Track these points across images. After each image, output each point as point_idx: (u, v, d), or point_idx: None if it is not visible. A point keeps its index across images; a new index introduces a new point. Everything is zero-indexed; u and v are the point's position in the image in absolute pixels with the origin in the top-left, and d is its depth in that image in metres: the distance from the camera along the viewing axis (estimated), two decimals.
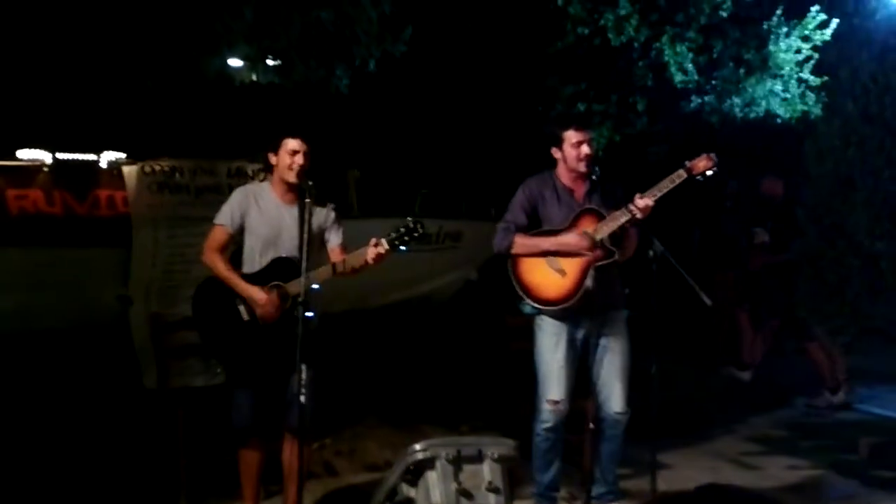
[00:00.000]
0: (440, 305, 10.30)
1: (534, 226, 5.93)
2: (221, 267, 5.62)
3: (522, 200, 5.95)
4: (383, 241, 5.53)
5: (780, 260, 9.78)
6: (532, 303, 5.89)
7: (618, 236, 5.77)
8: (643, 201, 5.61)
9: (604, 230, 5.72)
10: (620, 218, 5.67)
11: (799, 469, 7.50)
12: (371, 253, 5.50)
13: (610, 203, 5.83)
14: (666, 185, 5.68)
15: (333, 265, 5.58)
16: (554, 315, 5.88)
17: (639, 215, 5.62)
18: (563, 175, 5.96)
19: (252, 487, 5.83)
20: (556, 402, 5.84)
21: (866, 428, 8.53)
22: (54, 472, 6.68)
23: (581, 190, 5.94)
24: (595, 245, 5.71)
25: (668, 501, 1.54)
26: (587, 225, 5.78)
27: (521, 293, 5.90)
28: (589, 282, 5.71)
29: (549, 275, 5.83)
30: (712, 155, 5.72)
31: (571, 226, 5.82)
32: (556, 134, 5.94)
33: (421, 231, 5.60)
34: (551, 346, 5.88)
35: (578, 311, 5.81)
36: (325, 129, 9.38)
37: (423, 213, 12.00)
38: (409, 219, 5.62)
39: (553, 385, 5.86)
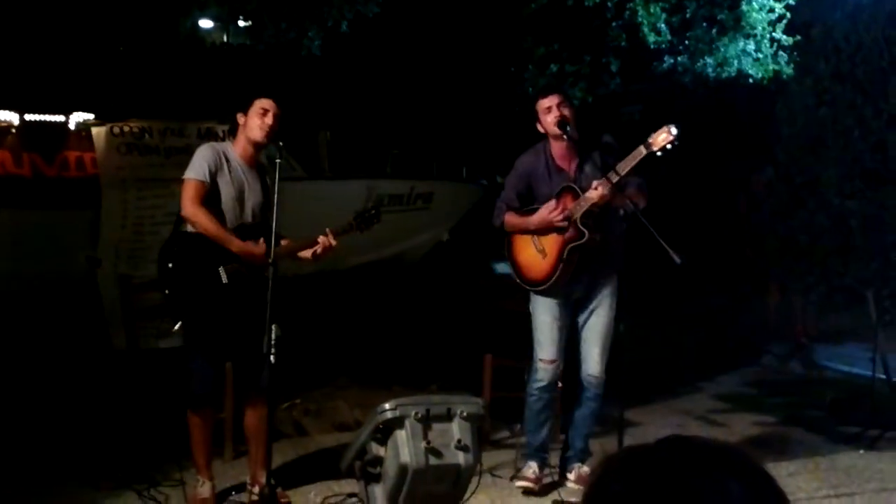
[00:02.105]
0: (411, 266, 10.31)
1: (529, 199, 5.97)
2: (210, 222, 5.39)
3: (515, 179, 6.01)
4: (331, 235, 5.61)
5: None
6: (520, 283, 6.00)
7: (596, 215, 5.72)
8: (596, 192, 5.56)
9: (576, 211, 5.69)
10: (589, 200, 5.64)
11: (765, 425, 7.59)
12: (323, 244, 5.58)
13: (602, 175, 5.75)
14: (627, 164, 5.54)
15: (315, 252, 5.61)
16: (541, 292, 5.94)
17: (596, 203, 5.60)
18: (554, 147, 5.93)
19: (207, 453, 5.77)
20: (551, 362, 5.92)
21: (833, 385, 8.63)
22: (20, 434, 6.66)
23: (573, 166, 5.90)
24: (569, 223, 5.70)
25: (629, 453, 1.55)
26: (566, 203, 5.76)
27: (513, 273, 6.04)
28: (563, 266, 5.74)
29: (533, 254, 5.91)
30: (671, 127, 5.48)
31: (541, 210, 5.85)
32: (534, 110, 5.94)
33: (376, 221, 5.76)
34: (545, 308, 5.95)
35: (557, 285, 5.84)
36: (297, 91, 9.34)
37: (395, 173, 12.01)
38: (370, 206, 5.72)
39: (545, 345, 5.94)
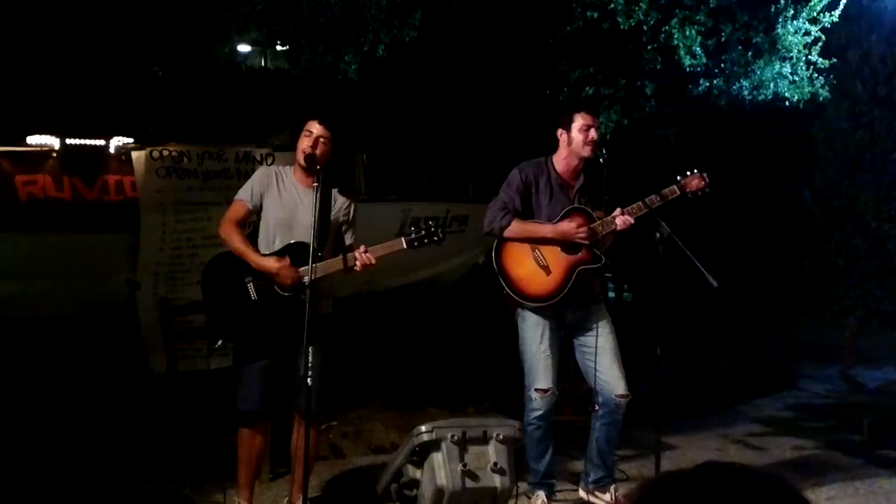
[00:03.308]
0: (447, 289, 10.32)
1: (525, 211, 5.92)
2: (237, 240, 5.52)
3: (519, 184, 5.89)
4: (402, 239, 5.61)
5: None
6: (514, 296, 5.88)
7: (602, 241, 5.83)
8: (623, 219, 5.65)
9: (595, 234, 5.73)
10: (609, 225, 5.70)
11: (803, 449, 7.54)
12: (360, 260, 5.54)
13: (596, 204, 5.83)
14: (655, 201, 5.70)
15: (344, 258, 5.57)
16: (534, 310, 5.90)
17: (618, 229, 5.70)
18: (560, 163, 5.91)
19: (249, 473, 5.77)
20: (545, 391, 5.84)
21: (871, 409, 8.57)
22: (61, 457, 6.72)
23: (574, 186, 5.92)
24: (589, 239, 5.73)
25: (667, 479, 1.58)
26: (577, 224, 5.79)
27: (503, 284, 5.89)
28: (573, 284, 5.76)
29: (533, 269, 5.83)
30: (705, 174, 5.79)
31: (560, 222, 5.81)
32: (565, 116, 5.92)
33: (441, 238, 5.68)
34: (535, 336, 5.87)
35: (558, 305, 5.83)
36: (334, 114, 9.38)
37: (431, 196, 12.04)
38: (430, 223, 5.68)
39: (540, 375, 5.85)
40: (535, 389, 5.85)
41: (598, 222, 5.73)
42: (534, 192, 5.89)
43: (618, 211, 5.69)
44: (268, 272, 5.47)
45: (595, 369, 5.90)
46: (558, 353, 5.94)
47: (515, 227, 5.83)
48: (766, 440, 7.85)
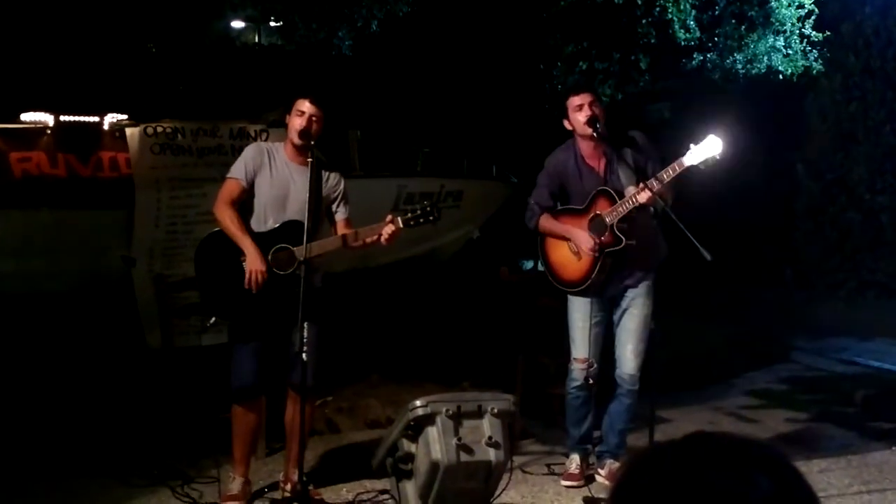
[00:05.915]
0: (442, 264, 10.33)
1: (562, 195, 6.02)
2: (230, 221, 5.51)
3: (547, 181, 6.02)
4: (398, 218, 5.60)
5: None
6: (554, 282, 6.06)
7: (632, 218, 5.70)
8: (644, 195, 5.53)
9: (614, 216, 5.70)
10: (627, 204, 5.65)
11: (797, 421, 7.58)
12: (386, 231, 5.55)
13: (633, 171, 5.77)
14: (670, 173, 5.57)
15: (344, 237, 5.59)
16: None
17: (634, 209, 5.63)
18: (582, 145, 5.94)
19: (245, 449, 5.81)
20: (583, 361, 5.97)
21: (864, 381, 8.61)
22: (58, 433, 6.73)
23: (601, 164, 5.91)
24: (603, 233, 5.71)
25: (657, 449, 1.61)
26: (601, 207, 5.76)
27: (546, 271, 6.09)
28: (598, 270, 5.77)
29: (567, 255, 5.93)
30: (717, 141, 5.47)
31: (588, 207, 5.83)
32: (563, 107, 5.96)
33: (436, 216, 5.70)
34: (579, 309, 5.99)
35: (589, 291, 5.89)
36: (327, 90, 9.38)
37: (425, 171, 12.03)
38: (426, 202, 5.71)
39: (580, 344, 5.99)
40: (574, 359, 6.03)
41: (611, 208, 5.68)
42: (564, 179, 5.98)
43: (639, 188, 5.59)
44: (251, 263, 5.48)
45: (616, 344, 6.05)
46: (603, 326, 6.05)
47: (544, 225, 6.03)
48: (760, 412, 7.88)
